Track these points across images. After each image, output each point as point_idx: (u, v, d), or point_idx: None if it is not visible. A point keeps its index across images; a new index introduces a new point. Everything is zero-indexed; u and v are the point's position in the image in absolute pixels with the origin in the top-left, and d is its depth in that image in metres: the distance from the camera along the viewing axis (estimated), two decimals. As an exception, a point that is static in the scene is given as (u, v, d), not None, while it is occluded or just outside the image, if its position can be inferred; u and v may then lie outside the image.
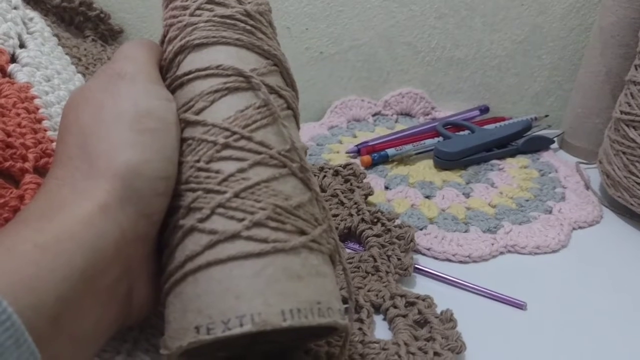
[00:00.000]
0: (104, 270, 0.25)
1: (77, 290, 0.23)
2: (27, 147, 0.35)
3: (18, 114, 0.36)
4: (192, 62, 0.31)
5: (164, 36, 0.33)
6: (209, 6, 0.32)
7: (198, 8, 0.32)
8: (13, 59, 0.42)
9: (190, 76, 0.31)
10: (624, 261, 0.48)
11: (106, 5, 0.66)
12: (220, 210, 0.27)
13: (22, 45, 0.44)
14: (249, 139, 0.29)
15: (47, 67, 0.44)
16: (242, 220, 0.27)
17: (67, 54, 0.52)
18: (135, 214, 0.26)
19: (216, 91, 0.30)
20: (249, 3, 0.33)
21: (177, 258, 0.28)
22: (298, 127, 0.34)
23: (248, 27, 0.32)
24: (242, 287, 0.26)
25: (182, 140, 0.30)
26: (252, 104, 0.30)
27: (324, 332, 0.32)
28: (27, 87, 0.39)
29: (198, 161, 0.29)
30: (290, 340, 0.33)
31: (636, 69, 0.53)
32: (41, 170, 0.35)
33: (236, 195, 0.28)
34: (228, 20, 0.32)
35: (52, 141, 0.38)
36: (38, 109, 0.39)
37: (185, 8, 0.32)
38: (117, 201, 0.26)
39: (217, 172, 0.28)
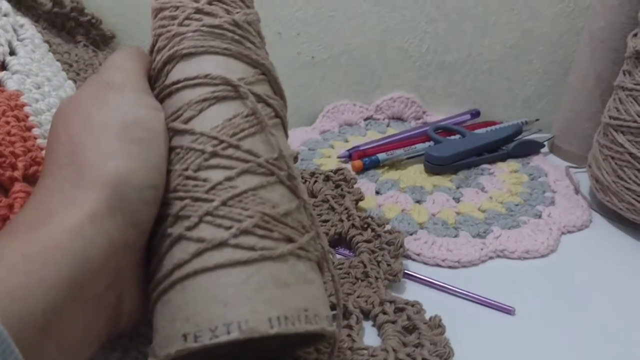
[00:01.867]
0: (93, 279, 0.25)
1: (65, 300, 0.23)
2: (17, 155, 0.35)
3: (7, 122, 0.36)
4: (180, 71, 0.31)
5: (153, 46, 0.33)
6: (197, 16, 0.32)
7: (187, 18, 0.32)
8: (3, 66, 0.42)
9: (179, 85, 0.31)
10: (612, 266, 0.49)
11: (98, 10, 0.66)
12: (208, 218, 0.28)
13: (12, 53, 0.44)
14: (237, 147, 0.29)
15: (37, 74, 0.44)
16: (229, 228, 0.27)
17: (58, 60, 0.52)
18: (124, 223, 0.26)
19: (204, 100, 0.30)
20: (237, 13, 0.33)
21: (165, 266, 0.28)
22: (286, 136, 0.34)
23: (236, 37, 0.32)
24: (229, 295, 0.26)
25: (171, 149, 0.30)
26: (240, 113, 0.30)
27: (312, 339, 0.32)
28: (17, 94, 0.39)
29: (186, 169, 0.29)
30: (279, 348, 0.34)
31: (624, 75, 0.53)
32: (30, 179, 0.35)
33: (224, 204, 0.28)
34: (216, 30, 0.32)
35: (42, 149, 0.38)
36: (28, 116, 0.39)
37: (173, 18, 0.32)
38: (106, 210, 0.26)
39: (205, 180, 0.28)
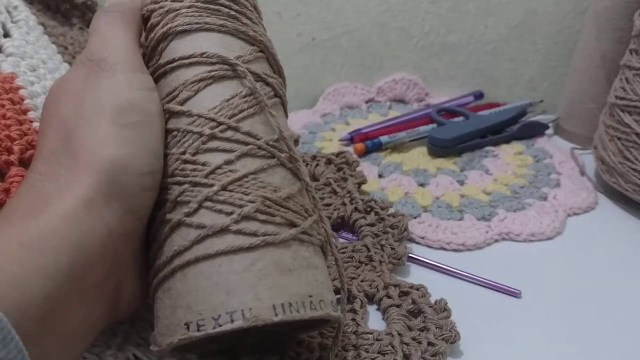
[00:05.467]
0: (91, 267, 0.24)
1: (64, 289, 0.23)
2: (13, 139, 0.34)
3: (3, 106, 0.36)
4: (175, 50, 0.30)
5: (146, 22, 0.32)
6: None
7: None
8: (-3, 49, 0.41)
9: (174, 65, 0.30)
10: (619, 248, 0.48)
11: (94, -8, 0.65)
12: (208, 204, 0.27)
13: (6, 35, 0.43)
14: (236, 129, 0.28)
15: (32, 57, 0.43)
16: (230, 214, 0.27)
17: (53, 43, 0.51)
18: (121, 210, 0.26)
19: (201, 80, 0.29)
20: None
21: (165, 253, 0.28)
22: (286, 115, 0.34)
23: (233, 13, 0.31)
24: (232, 283, 0.26)
25: (167, 132, 0.29)
26: (239, 93, 0.29)
27: (316, 324, 0.31)
28: (12, 77, 0.38)
29: (184, 153, 0.28)
30: (283, 332, 0.33)
31: (631, 54, 0.52)
32: (27, 163, 0.35)
33: (224, 189, 0.27)
34: (212, 6, 0.31)
35: (38, 133, 0.37)
36: (23, 100, 0.38)
37: None
38: (102, 197, 0.25)
39: (204, 164, 0.28)
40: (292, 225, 0.28)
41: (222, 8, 0.31)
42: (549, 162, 0.61)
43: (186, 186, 0.27)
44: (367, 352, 0.34)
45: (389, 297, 0.40)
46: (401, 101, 0.76)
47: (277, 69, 0.33)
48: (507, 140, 0.65)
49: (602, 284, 0.43)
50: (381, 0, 0.70)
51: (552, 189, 0.55)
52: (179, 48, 0.30)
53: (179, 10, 0.30)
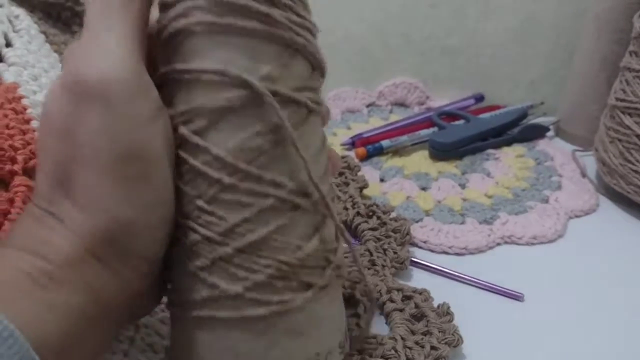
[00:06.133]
0: (105, 307, 0.24)
1: (79, 326, 0.23)
2: (16, 148, 0.34)
3: (6, 115, 0.36)
4: (191, 54, 0.25)
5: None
6: None
7: None
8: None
9: (189, 77, 0.25)
10: (620, 250, 0.48)
11: (95, 0, 0.65)
12: (222, 263, 0.25)
13: (8, 44, 0.43)
14: (258, 178, 0.25)
15: (34, 66, 0.43)
16: (244, 279, 0.25)
17: (55, 51, 0.52)
18: (132, 258, 0.25)
19: (220, 109, 0.25)
20: None
21: (181, 293, 0.27)
22: (325, 122, 0.30)
23: (263, 9, 0.24)
24: (241, 348, 0.26)
25: (179, 159, 0.26)
26: (263, 129, 0.25)
27: None
28: (15, 87, 0.39)
29: (199, 197, 0.25)
30: None
31: (631, 56, 0.52)
32: (30, 172, 0.35)
33: (239, 251, 0.25)
34: (240, 1, 0.24)
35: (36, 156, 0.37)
36: (26, 109, 0.38)
37: None
38: (110, 248, 0.24)
39: (220, 218, 0.25)
40: (309, 286, 0.27)
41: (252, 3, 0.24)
42: (550, 164, 0.61)
43: (199, 238, 0.25)
44: (371, 356, 0.35)
45: (392, 301, 0.40)
46: (402, 104, 0.76)
47: (317, 64, 0.28)
48: (508, 143, 0.65)
49: (603, 286, 0.44)
50: (381, 6, 0.70)
51: (553, 191, 0.55)
52: (196, 53, 0.25)
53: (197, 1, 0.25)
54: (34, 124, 0.38)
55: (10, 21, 0.46)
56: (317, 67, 0.28)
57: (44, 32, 0.52)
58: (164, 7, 0.25)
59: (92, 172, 0.23)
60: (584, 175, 0.59)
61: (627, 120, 0.51)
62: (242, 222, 0.25)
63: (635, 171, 0.51)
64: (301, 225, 0.26)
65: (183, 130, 0.25)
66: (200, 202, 0.25)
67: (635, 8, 0.57)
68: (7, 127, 0.35)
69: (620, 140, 0.52)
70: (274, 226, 0.25)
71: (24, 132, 0.36)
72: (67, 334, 0.22)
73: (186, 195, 0.25)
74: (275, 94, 0.25)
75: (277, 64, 0.25)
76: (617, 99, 0.53)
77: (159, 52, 0.26)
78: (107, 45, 0.23)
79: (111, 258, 0.24)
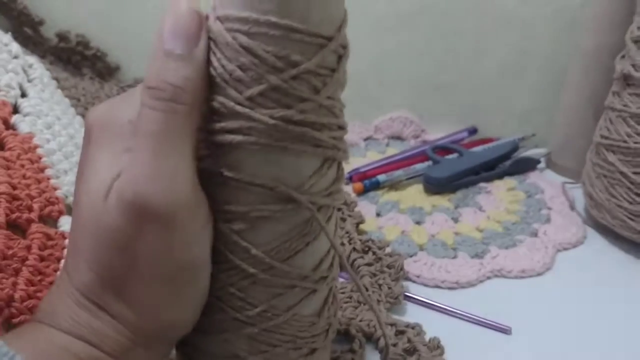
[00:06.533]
0: None
1: None
2: (32, 197, 0.37)
3: (22, 165, 0.38)
4: (241, 165, 0.26)
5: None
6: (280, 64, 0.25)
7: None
8: (15, 109, 0.44)
9: (235, 184, 0.26)
10: (607, 282, 0.50)
11: (102, 43, 0.68)
12: (247, 338, 0.29)
13: (23, 95, 0.46)
14: (289, 273, 0.28)
15: (47, 114, 0.46)
16: (265, 352, 0.29)
17: (66, 95, 0.55)
18: (170, 344, 0.29)
19: (262, 218, 0.27)
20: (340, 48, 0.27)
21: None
22: (342, 176, 0.30)
23: (301, 129, 0.26)
24: None
25: (215, 249, 0.27)
26: (297, 226, 0.28)
27: None
28: (30, 137, 0.41)
29: (231, 285, 0.28)
30: None
31: (613, 95, 0.55)
32: (46, 219, 0.37)
33: (264, 330, 0.29)
34: (288, 126, 0.26)
35: (55, 189, 0.40)
36: (40, 157, 0.41)
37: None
38: (157, 345, 0.27)
39: (250, 304, 0.28)
40: (314, 350, 0.31)
41: (294, 127, 0.26)
42: (539, 197, 0.63)
43: (229, 318, 0.28)
44: (365, 391, 0.37)
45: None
46: (398, 138, 0.79)
47: (342, 172, 0.30)
48: (500, 176, 0.67)
49: (589, 319, 0.45)
50: (377, 43, 0.73)
51: (542, 224, 0.58)
52: (248, 167, 0.26)
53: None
54: (48, 172, 0.41)
55: (25, 71, 0.49)
56: (341, 174, 0.30)
57: (55, 78, 0.55)
58: (216, 113, 0.26)
59: (149, 284, 0.25)
60: (572, 208, 0.61)
61: (611, 157, 0.53)
62: (270, 309, 0.28)
63: (620, 206, 0.53)
64: (314, 303, 0.30)
65: (223, 228, 0.27)
66: (232, 289, 0.28)
67: (620, 48, 0.59)
68: (23, 177, 0.38)
69: (605, 176, 0.54)
70: (293, 303, 0.29)
71: (39, 181, 0.39)
72: None
73: (219, 280, 0.28)
74: (313, 203, 0.27)
75: (317, 176, 0.27)
76: (602, 137, 0.55)
77: (202, 146, 0.27)
78: (174, 169, 0.24)
79: (155, 347, 0.27)
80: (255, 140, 0.25)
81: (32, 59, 0.52)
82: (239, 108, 0.25)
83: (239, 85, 0.25)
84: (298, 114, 0.25)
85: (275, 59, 0.24)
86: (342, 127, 0.28)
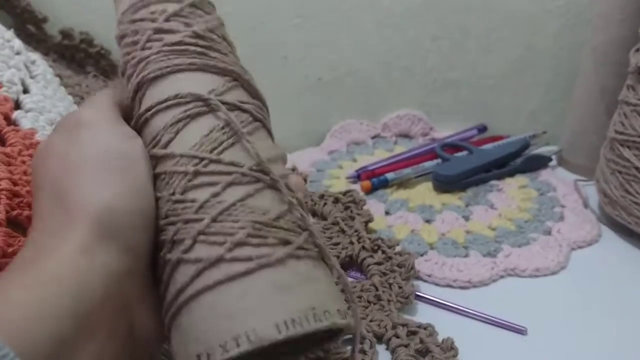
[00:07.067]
0: (96, 308, 0.26)
1: (70, 329, 0.24)
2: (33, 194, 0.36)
3: (23, 162, 0.37)
4: (151, 96, 0.32)
5: (123, 74, 0.34)
6: (157, 36, 0.32)
7: (148, 40, 0.32)
8: (17, 105, 0.43)
9: (152, 111, 0.31)
10: (623, 281, 0.49)
11: (106, 41, 0.67)
12: (201, 237, 0.28)
13: (25, 91, 0.45)
14: (218, 161, 0.30)
15: (50, 111, 0.45)
16: (223, 243, 0.28)
17: (69, 93, 0.54)
18: (116, 250, 0.27)
19: (178, 121, 0.31)
20: (197, 23, 0.33)
21: (170, 292, 0.29)
22: (271, 136, 0.35)
23: (199, 49, 0.32)
24: (233, 308, 0.27)
25: (156, 177, 0.31)
26: (216, 126, 0.31)
27: (333, 334, 0.31)
28: (32, 133, 0.40)
29: (173, 194, 0.29)
30: (308, 344, 0.32)
31: (628, 90, 0.53)
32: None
33: (214, 220, 0.28)
34: (178, 47, 0.32)
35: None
36: (42, 154, 0.40)
37: (135, 43, 0.33)
38: (96, 240, 0.27)
39: (193, 201, 0.29)
40: (286, 242, 0.29)
41: (188, 47, 0.32)
42: (552, 195, 0.62)
43: (179, 225, 0.29)
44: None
45: (397, 336, 0.40)
46: (406, 136, 0.78)
47: (254, 93, 0.34)
48: (511, 174, 0.66)
49: (605, 318, 0.44)
50: (383, 40, 0.72)
51: (555, 222, 0.56)
52: (154, 94, 0.32)
53: (147, 57, 0.32)
54: (50, 168, 0.39)
55: (27, 67, 0.47)
56: (255, 95, 0.34)
57: (58, 75, 0.54)
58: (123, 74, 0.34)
59: (81, 171, 0.28)
60: (586, 205, 0.60)
61: (626, 153, 0.52)
62: (211, 197, 0.29)
63: (636, 203, 0.51)
64: (267, 196, 0.30)
65: (153, 151, 0.31)
66: (174, 197, 0.29)
67: (631, 41, 0.58)
68: (24, 173, 0.37)
69: (620, 172, 0.53)
70: (241, 195, 0.29)
71: (40, 178, 0.38)
72: (59, 339, 0.23)
73: (163, 199, 0.30)
74: (222, 102, 0.31)
75: (218, 86, 0.32)
76: (616, 132, 0.54)
77: (130, 108, 0.33)
78: (94, 104, 0.32)
79: (98, 251, 0.27)
80: (150, 71, 0.32)
81: (35, 56, 0.51)
82: None
83: None
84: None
85: None
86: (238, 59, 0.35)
